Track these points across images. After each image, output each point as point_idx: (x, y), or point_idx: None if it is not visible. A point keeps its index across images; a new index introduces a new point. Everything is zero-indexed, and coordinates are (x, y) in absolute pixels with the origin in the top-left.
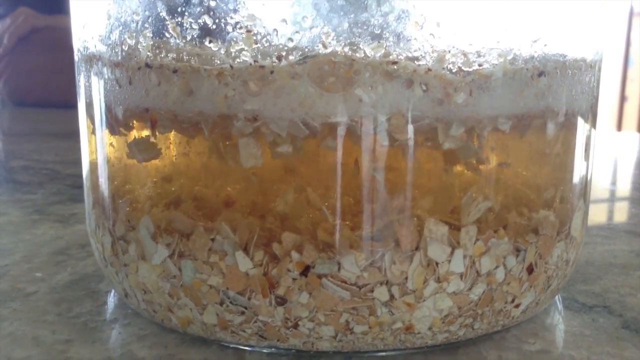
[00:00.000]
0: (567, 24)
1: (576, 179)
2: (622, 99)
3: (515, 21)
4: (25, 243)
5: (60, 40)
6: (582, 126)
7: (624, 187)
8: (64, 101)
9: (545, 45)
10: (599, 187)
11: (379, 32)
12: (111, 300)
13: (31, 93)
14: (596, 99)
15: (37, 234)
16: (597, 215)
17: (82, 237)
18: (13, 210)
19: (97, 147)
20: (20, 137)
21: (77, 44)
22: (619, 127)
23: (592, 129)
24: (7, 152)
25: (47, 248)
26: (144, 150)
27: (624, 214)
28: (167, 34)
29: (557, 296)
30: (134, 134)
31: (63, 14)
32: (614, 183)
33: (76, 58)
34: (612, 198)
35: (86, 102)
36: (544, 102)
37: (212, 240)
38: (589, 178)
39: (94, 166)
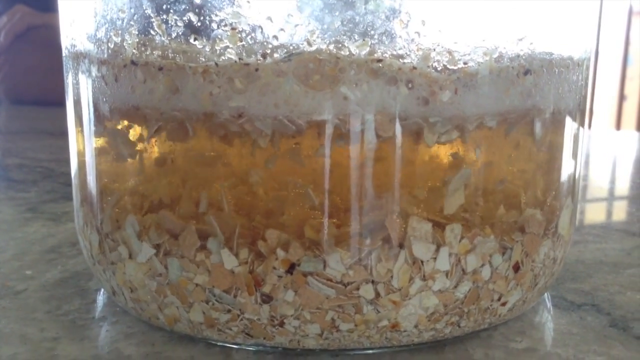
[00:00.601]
0: (553, 23)
1: (564, 177)
2: (621, 97)
3: (501, 19)
4: (16, 241)
5: (57, 39)
6: (569, 124)
7: (623, 186)
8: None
9: (531, 43)
10: (597, 186)
11: (364, 30)
12: (100, 298)
13: (28, 91)
14: (584, 97)
15: (29, 232)
16: (593, 213)
17: (74, 235)
18: (6, 209)
19: (84, 144)
20: (16, 135)
21: (65, 41)
22: (618, 126)
23: (581, 127)
24: (3, 150)
25: (38, 246)
26: (130, 147)
27: (620, 212)
28: (152, 32)
29: (546, 294)
30: (120, 131)
31: None
32: (612, 182)
33: (64, 55)
34: (610, 197)
35: (74, 99)
36: (530, 101)
37: (199, 238)
38: (577, 176)
39: (81, 164)
